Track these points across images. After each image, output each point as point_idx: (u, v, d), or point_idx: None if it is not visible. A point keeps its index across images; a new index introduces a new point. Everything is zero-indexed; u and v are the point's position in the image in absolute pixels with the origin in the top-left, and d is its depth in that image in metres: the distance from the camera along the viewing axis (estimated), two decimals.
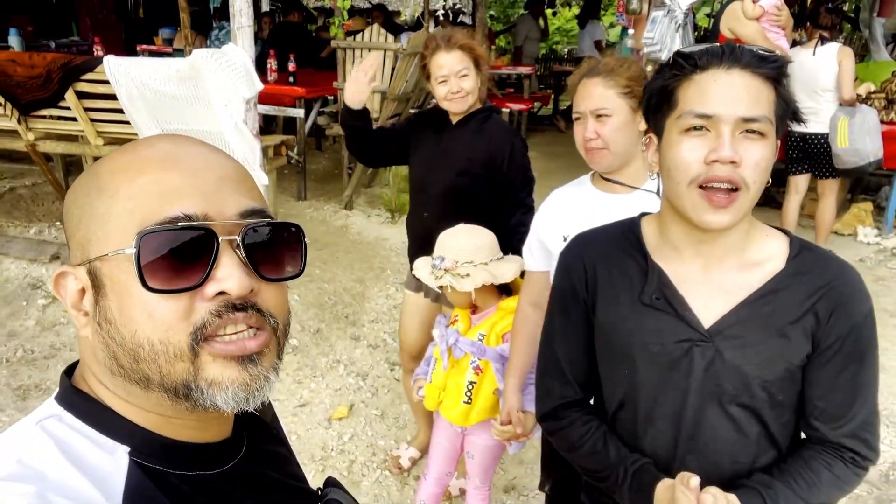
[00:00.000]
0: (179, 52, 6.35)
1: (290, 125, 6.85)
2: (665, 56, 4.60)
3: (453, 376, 2.08)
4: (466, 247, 2.00)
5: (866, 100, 4.90)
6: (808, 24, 4.61)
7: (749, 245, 1.12)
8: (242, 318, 0.62)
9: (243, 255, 0.63)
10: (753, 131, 1.00)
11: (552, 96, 10.64)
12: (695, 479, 1.03)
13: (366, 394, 3.52)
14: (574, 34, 16.70)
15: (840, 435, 1.11)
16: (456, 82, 2.18)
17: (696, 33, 5.37)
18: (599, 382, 1.28)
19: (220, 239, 0.61)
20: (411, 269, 2.56)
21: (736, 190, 1.00)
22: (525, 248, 1.87)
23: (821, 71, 4.56)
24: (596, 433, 1.24)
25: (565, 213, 1.70)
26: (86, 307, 0.64)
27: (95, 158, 4.34)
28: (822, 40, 4.55)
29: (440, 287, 2.04)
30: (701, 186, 1.01)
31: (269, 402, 0.86)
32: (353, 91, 2.32)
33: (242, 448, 0.73)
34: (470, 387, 2.04)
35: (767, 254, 1.12)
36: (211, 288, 0.61)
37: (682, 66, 1.04)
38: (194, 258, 0.60)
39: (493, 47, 8.45)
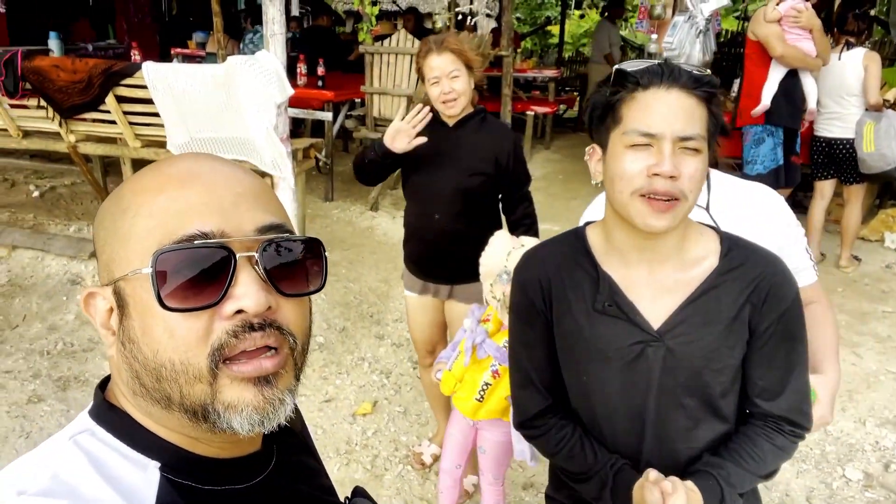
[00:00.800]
0: (212, 56, 6.52)
1: (318, 128, 6.99)
2: (684, 61, 4.62)
3: (471, 372, 2.15)
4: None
5: (893, 105, 4.86)
6: (835, 29, 4.59)
7: (686, 245, 1.21)
8: (260, 337, 0.61)
9: (262, 271, 0.62)
10: (690, 147, 1.09)
11: (577, 99, 10.65)
12: (654, 473, 1.14)
13: (389, 391, 3.62)
14: None
15: (779, 409, 1.21)
16: (447, 83, 2.27)
17: (724, 37, 5.37)
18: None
19: (237, 256, 0.60)
20: (411, 272, 2.65)
21: (675, 199, 1.09)
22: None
23: (847, 76, 4.54)
24: (572, 437, 1.30)
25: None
26: (113, 326, 0.64)
27: (133, 160, 4.53)
28: (848, 45, 4.53)
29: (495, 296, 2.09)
30: (643, 195, 1.10)
31: (299, 412, 0.88)
32: (399, 142, 2.33)
33: (272, 461, 0.73)
34: (485, 387, 2.10)
35: (703, 251, 1.21)
36: (229, 306, 0.60)
37: (625, 84, 1.12)
38: (212, 276, 0.59)
39: (518, 50, 8.48)
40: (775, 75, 4.33)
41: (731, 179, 1.64)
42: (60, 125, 4.41)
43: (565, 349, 1.29)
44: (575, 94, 10.61)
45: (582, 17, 16.66)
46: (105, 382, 0.69)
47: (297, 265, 0.65)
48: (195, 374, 0.59)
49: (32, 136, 4.62)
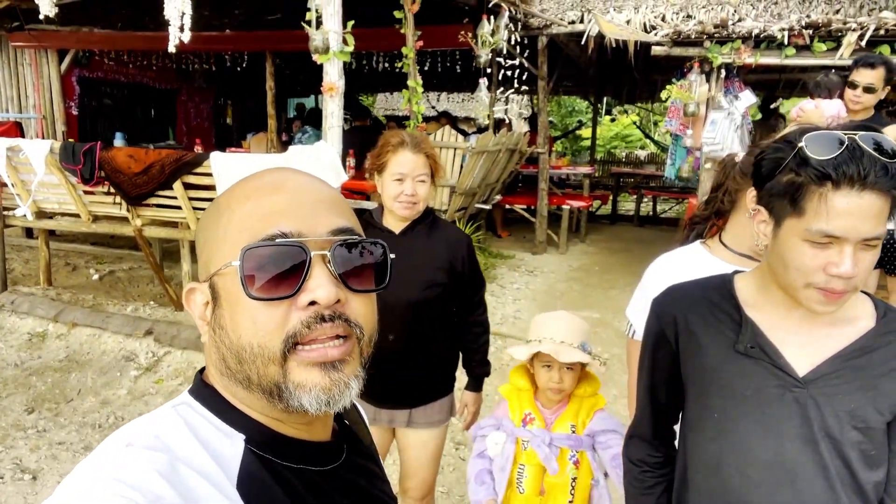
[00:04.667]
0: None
1: (361, 216, 7.28)
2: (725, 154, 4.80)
3: (553, 480, 2.00)
4: (585, 331, 2.07)
5: None
6: (889, 119, 4.73)
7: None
8: (330, 328, 0.68)
9: (333, 268, 0.69)
10: (871, 245, 1.07)
11: (611, 196, 10.92)
12: None
13: None
14: (631, 140, 17.23)
15: None
16: (412, 185, 2.07)
17: (753, 134, 5.59)
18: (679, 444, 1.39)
19: (311, 254, 0.67)
20: (361, 399, 2.44)
21: (848, 291, 1.10)
22: (636, 313, 1.91)
23: None
24: (656, 489, 1.38)
25: (680, 276, 1.71)
26: (207, 317, 0.73)
27: (192, 242, 4.79)
28: None
29: (545, 375, 2.02)
30: (818, 288, 1.10)
31: (367, 428, 0.96)
32: None
33: (342, 456, 0.79)
34: (573, 483, 1.99)
35: (856, 313, 1.19)
36: (303, 298, 0.67)
37: (810, 173, 1.06)
38: (290, 271, 0.67)
39: (553, 150, 8.84)
40: None
41: None
42: (128, 210, 4.74)
43: (697, 388, 1.31)
44: (608, 191, 10.89)
45: (613, 120, 17.34)
46: (204, 368, 0.78)
47: (364, 265, 0.72)
48: (270, 356, 0.67)
49: (101, 221, 4.94)
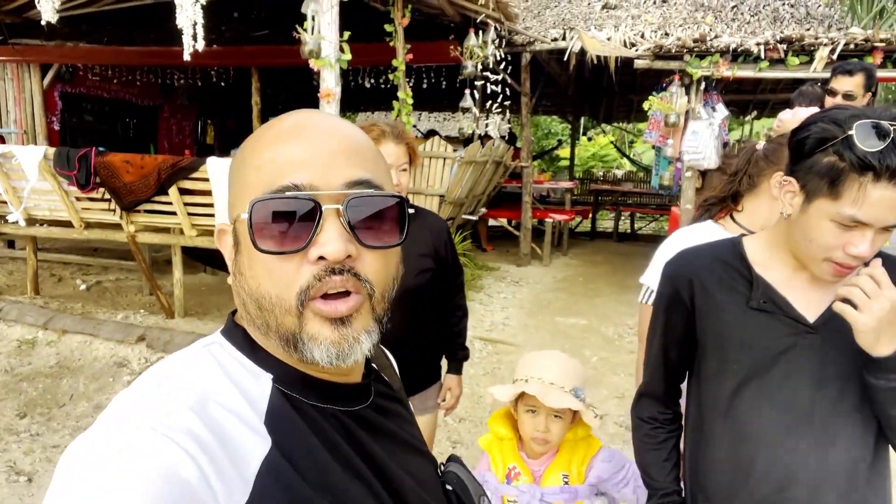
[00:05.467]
0: None
1: None
2: (707, 164, 5.00)
3: None
4: (580, 375, 1.88)
5: None
6: None
7: None
8: (339, 281, 0.66)
9: (346, 222, 0.66)
10: (888, 230, 1.14)
11: (591, 212, 11.14)
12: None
13: None
14: (608, 159, 17.60)
15: None
16: (396, 175, 2.13)
17: (728, 145, 5.81)
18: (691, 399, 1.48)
19: (323, 207, 0.66)
20: None
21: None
22: (646, 285, 2.01)
23: None
24: (663, 444, 1.51)
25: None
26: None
27: (184, 248, 4.81)
28: None
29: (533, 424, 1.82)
30: (833, 262, 1.18)
31: (397, 374, 0.97)
32: None
33: (370, 398, 0.79)
34: None
35: None
36: (313, 252, 0.65)
37: (854, 159, 1.10)
38: (301, 224, 0.66)
39: (537, 164, 9.04)
40: None
41: None
42: (121, 217, 4.75)
43: (713, 343, 1.40)
44: (588, 207, 11.12)
45: (590, 139, 17.69)
46: (236, 310, 0.79)
47: (380, 219, 0.69)
48: (287, 308, 0.67)
49: (94, 228, 4.94)
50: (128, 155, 4.55)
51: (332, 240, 0.65)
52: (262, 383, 0.69)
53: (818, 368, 1.28)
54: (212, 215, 4.53)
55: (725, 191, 1.90)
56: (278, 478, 0.62)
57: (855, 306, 1.15)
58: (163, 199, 4.60)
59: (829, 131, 1.15)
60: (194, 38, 3.91)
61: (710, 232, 1.88)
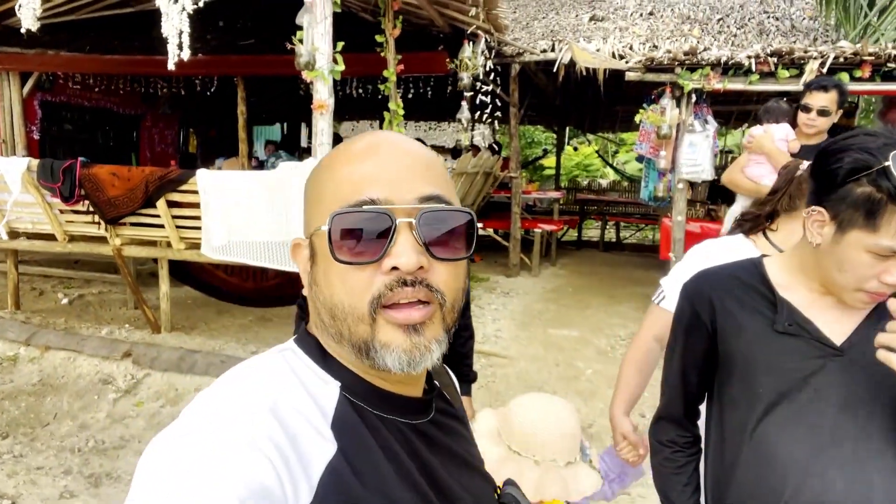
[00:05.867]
0: None
1: None
2: (704, 176, 5.00)
3: None
4: (576, 431, 1.62)
5: None
6: None
7: None
8: (411, 292, 0.69)
9: (419, 235, 0.69)
10: None
11: (578, 221, 11.18)
12: None
13: None
14: (592, 168, 17.71)
15: None
16: None
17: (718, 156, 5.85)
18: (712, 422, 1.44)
19: (397, 221, 0.69)
20: None
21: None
22: (664, 287, 1.97)
23: None
24: (683, 469, 1.47)
25: (724, 261, 1.73)
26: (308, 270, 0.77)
27: (171, 261, 4.71)
28: None
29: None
30: (866, 291, 1.19)
31: (458, 393, 0.98)
32: None
33: (431, 413, 0.81)
34: None
35: None
36: (387, 262, 0.68)
37: (892, 190, 1.10)
38: (376, 236, 0.69)
39: (523, 174, 9.05)
40: (737, 206, 4.04)
41: None
42: (106, 230, 4.63)
43: (738, 367, 1.37)
44: (576, 217, 11.14)
45: (575, 149, 17.79)
46: (308, 319, 0.82)
47: (451, 233, 0.72)
48: (359, 316, 0.69)
49: (78, 241, 4.82)
50: (114, 167, 4.45)
51: (405, 251, 0.68)
52: (330, 390, 0.71)
53: (846, 391, 1.25)
54: (200, 228, 4.43)
55: (763, 209, 1.89)
56: (340, 482, 0.65)
57: None
58: (150, 211, 4.50)
59: (863, 161, 1.13)
60: (180, 46, 3.84)
61: (741, 247, 1.87)
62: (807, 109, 3.43)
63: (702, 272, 1.47)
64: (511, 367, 5.00)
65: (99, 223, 4.64)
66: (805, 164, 1.83)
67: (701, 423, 1.54)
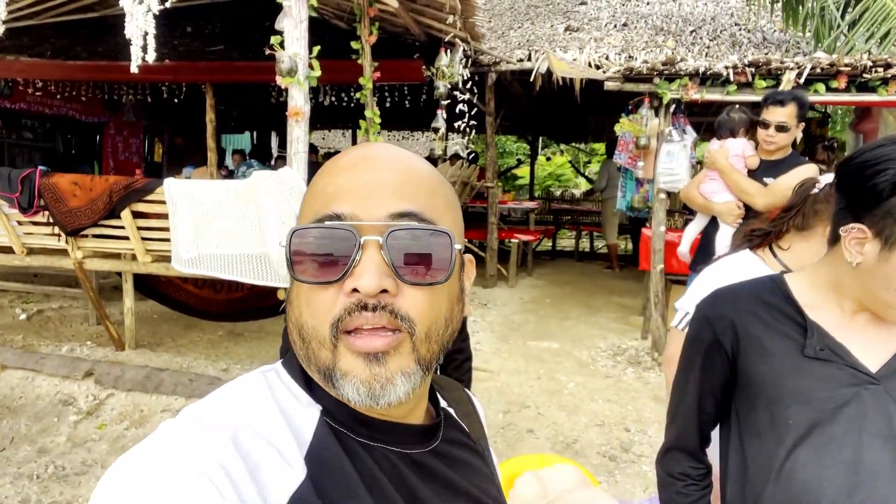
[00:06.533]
0: None
1: None
2: (682, 186, 4.97)
3: None
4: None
5: None
6: (806, 158, 5.04)
7: None
8: (371, 317, 0.62)
9: (387, 255, 0.63)
10: None
11: (553, 231, 11.15)
12: None
13: None
14: (564, 178, 17.80)
15: None
16: None
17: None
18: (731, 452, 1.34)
19: (361, 238, 0.63)
20: None
21: None
22: (684, 309, 1.91)
23: None
24: (703, 501, 1.34)
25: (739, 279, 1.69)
26: None
27: (135, 275, 4.49)
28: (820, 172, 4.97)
29: None
30: None
31: (480, 420, 0.89)
32: None
33: (435, 442, 0.74)
34: None
35: None
36: (348, 283, 0.63)
37: None
38: (340, 255, 0.63)
39: (498, 183, 8.99)
40: (694, 224, 3.90)
41: None
42: (66, 242, 4.41)
43: (764, 395, 1.27)
44: (551, 227, 11.12)
45: (548, 159, 17.84)
46: None
47: (423, 254, 0.65)
48: (321, 339, 0.64)
49: (37, 254, 4.58)
50: (76, 176, 4.23)
51: (367, 272, 0.62)
52: (310, 414, 0.67)
53: (883, 422, 1.16)
54: (167, 240, 4.24)
55: (775, 225, 1.81)
56: None
57: None
58: (114, 222, 4.28)
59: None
60: (144, 49, 3.66)
61: (751, 264, 1.80)
62: (765, 125, 3.21)
63: (718, 291, 1.37)
64: (493, 382, 4.89)
65: (59, 235, 4.41)
66: (822, 183, 1.76)
67: (709, 450, 1.45)
